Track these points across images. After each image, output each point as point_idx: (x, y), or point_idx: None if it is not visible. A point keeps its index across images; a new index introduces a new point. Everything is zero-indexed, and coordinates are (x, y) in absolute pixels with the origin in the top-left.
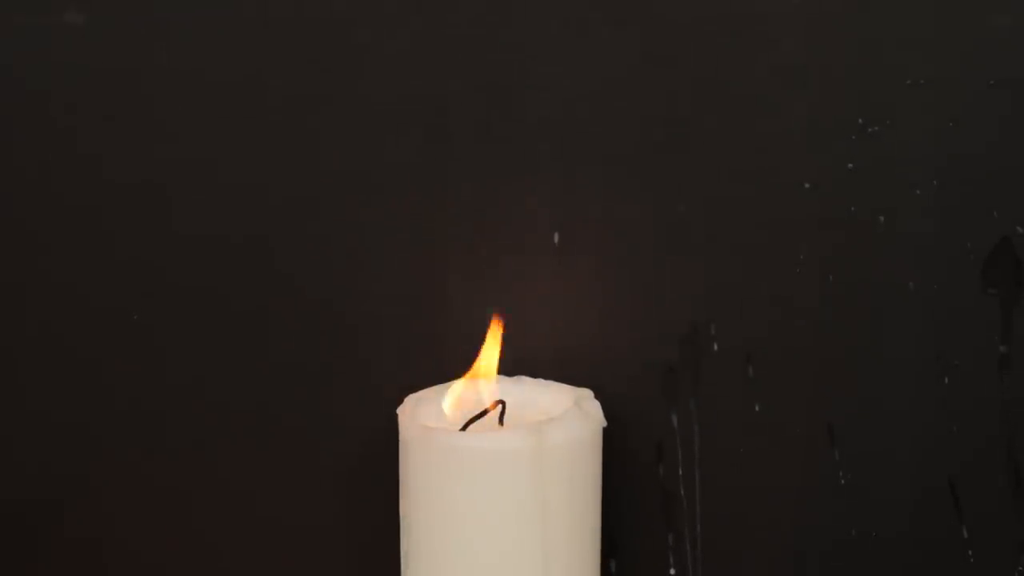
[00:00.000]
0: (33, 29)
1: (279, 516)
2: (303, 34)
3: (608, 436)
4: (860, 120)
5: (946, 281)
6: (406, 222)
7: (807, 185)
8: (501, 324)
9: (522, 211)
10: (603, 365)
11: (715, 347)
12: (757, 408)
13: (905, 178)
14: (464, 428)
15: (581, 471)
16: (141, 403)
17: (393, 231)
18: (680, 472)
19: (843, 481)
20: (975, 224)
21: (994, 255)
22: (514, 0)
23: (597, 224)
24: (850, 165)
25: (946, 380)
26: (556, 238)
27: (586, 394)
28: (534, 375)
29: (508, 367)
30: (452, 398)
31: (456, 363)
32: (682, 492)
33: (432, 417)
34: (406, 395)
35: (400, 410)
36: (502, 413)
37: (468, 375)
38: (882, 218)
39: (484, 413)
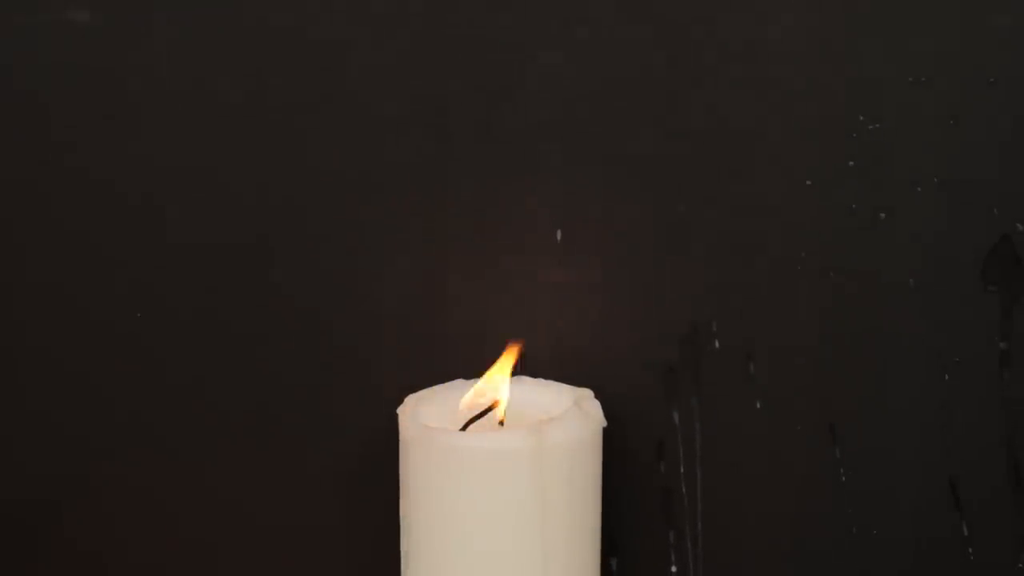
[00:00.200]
0: (32, 29)
1: (279, 516)
2: (303, 34)
3: (609, 435)
4: (861, 118)
5: (946, 279)
6: (406, 222)
7: (808, 183)
8: (516, 351)
9: (522, 211)
10: (604, 364)
11: (716, 345)
12: (758, 406)
13: (906, 176)
14: (464, 428)
15: (581, 471)
16: (141, 403)
17: (393, 231)
18: (681, 470)
19: (844, 479)
20: (975, 222)
21: (994, 252)
22: (514, 0)
23: (597, 224)
24: (851, 163)
25: (946, 377)
26: (557, 237)
27: (586, 394)
28: (534, 375)
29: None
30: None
31: (456, 363)
32: (683, 490)
33: (432, 417)
34: (406, 395)
35: (400, 410)
36: (487, 412)
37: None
38: (883, 215)
39: (484, 413)
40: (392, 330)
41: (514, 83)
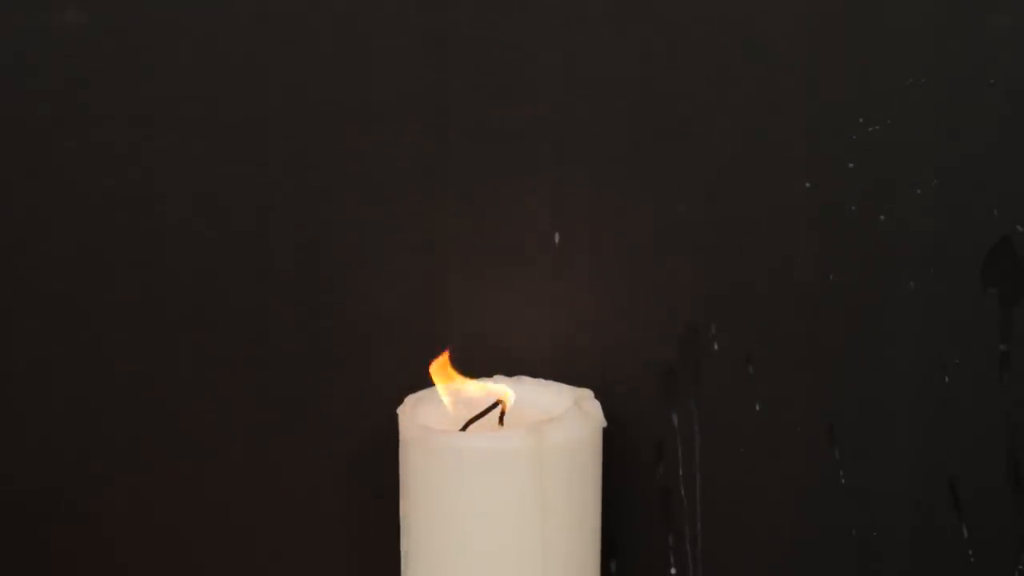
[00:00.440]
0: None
1: (279, 516)
2: (303, 33)
3: (608, 435)
4: (860, 119)
5: (946, 280)
6: (406, 222)
7: (808, 185)
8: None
9: (522, 211)
10: (603, 365)
11: (715, 346)
12: (757, 407)
13: (905, 177)
14: (464, 428)
15: (581, 471)
16: (140, 403)
17: (393, 231)
18: (680, 472)
19: (843, 480)
20: (975, 223)
21: (994, 254)
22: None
23: (597, 224)
24: (851, 165)
25: (946, 379)
26: (556, 238)
27: (586, 394)
28: (534, 375)
29: (508, 367)
30: (450, 397)
31: (456, 364)
32: (682, 491)
33: (432, 417)
34: (406, 395)
35: (400, 410)
36: (502, 413)
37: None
38: (882, 217)
39: (484, 413)
40: (392, 331)
41: (514, 83)
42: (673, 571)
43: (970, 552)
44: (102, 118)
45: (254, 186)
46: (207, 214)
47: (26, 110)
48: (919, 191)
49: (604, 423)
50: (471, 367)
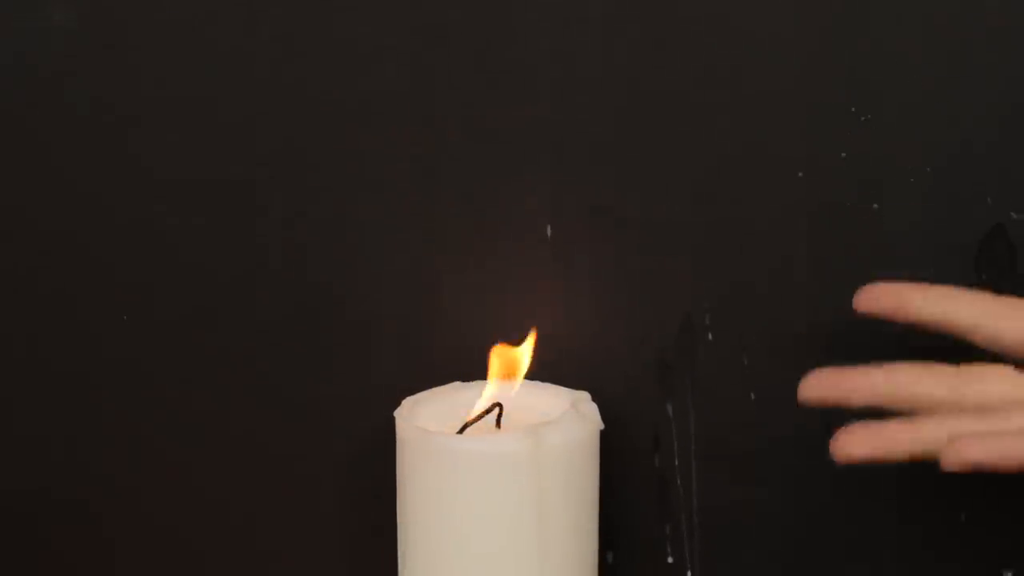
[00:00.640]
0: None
1: (277, 517)
2: (302, 33)
3: (605, 429)
4: (853, 109)
5: (941, 268)
6: (405, 222)
7: (800, 175)
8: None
9: (521, 211)
10: (599, 357)
11: (710, 337)
12: (752, 397)
13: (899, 166)
14: (461, 431)
15: (578, 474)
16: (140, 403)
17: (392, 231)
18: (676, 462)
19: (839, 467)
20: (969, 211)
21: (988, 241)
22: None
23: (589, 219)
24: (843, 154)
25: None
26: (548, 232)
27: (583, 396)
28: (529, 373)
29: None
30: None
31: (454, 366)
32: (679, 482)
33: (429, 419)
34: (405, 396)
35: (397, 412)
36: (499, 416)
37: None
38: (876, 206)
39: (481, 416)
40: (390, 332)
41: (513, 83)
42: (670, 560)
43: (966, 534)
44: (101, 118)
45: (254, 186)
46: (206, 213)
47: (25, 110)
48: (912, 181)
49: (601, 425)
50: (469, 369)
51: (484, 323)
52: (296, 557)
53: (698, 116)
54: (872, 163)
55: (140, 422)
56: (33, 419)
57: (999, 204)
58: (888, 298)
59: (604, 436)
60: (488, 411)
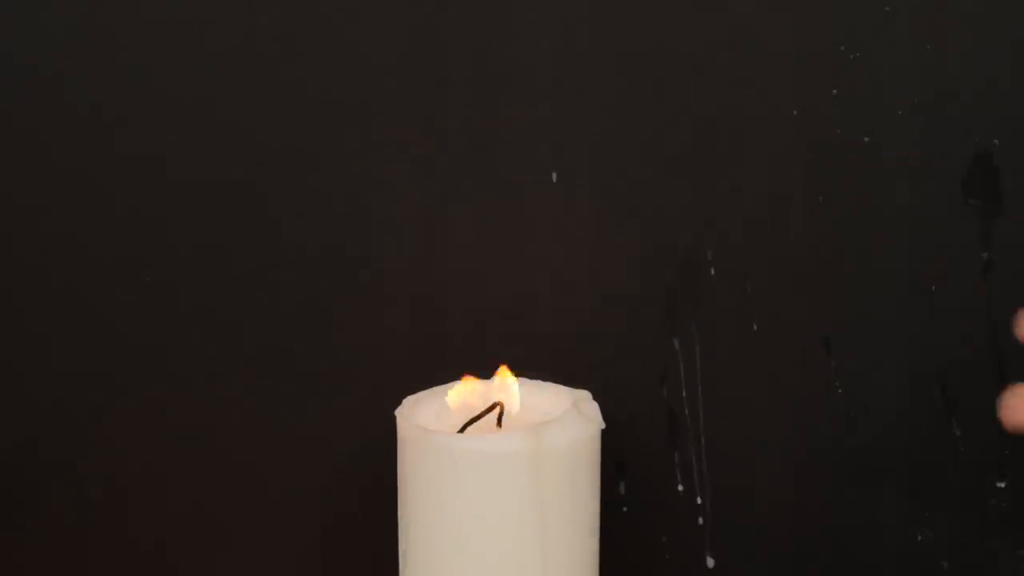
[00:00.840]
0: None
1: (277, 516)
2: (302, 33)
3: (614, 362)
4: (842, 47)
5: (930, 194)
6: (406, 221)
7: (795, 112)
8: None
9: (521, 211)
10: (604, 296)
11: (712, 271)
12: (755, 327)
13: (886, 101)
14: (462, 430)
15: (580, 473)
16: (140, 402)
17: (393, 230)
18: (684, 393)
19: (840, 390)
20: (955, 139)
21: (973, 167)
22: None
23: (593, 157)
24: (834, 91)
25: (933, 288)
26: (553, 178)
27: (584, 396)
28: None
29: (508, 366)
30: (457, 397)
31: (456, 364)
32: (686, 412)
33: (430, 419)
34: (406, 395)
35: (398, 411)
36: (500, 415)
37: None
38: (866, 139)
39: (482, 415)
40: (391, 331)
41: (513, 83)
42: (680, 488)
43: (961, 449)
44: (101, 118)
45: (254, 186)
46: (206, 213)
47: (25, 110)
48: (900, 114)
49: (602, 425)
50: (470, 369)
51: (484, 323)
52: (296, 556)
53: (694, 55)
54: (861, 98)
55: (140, 422)
56: (33, 419)
57: (983, 131)
58: None
59: (615, 370)
60: (489, 410)
